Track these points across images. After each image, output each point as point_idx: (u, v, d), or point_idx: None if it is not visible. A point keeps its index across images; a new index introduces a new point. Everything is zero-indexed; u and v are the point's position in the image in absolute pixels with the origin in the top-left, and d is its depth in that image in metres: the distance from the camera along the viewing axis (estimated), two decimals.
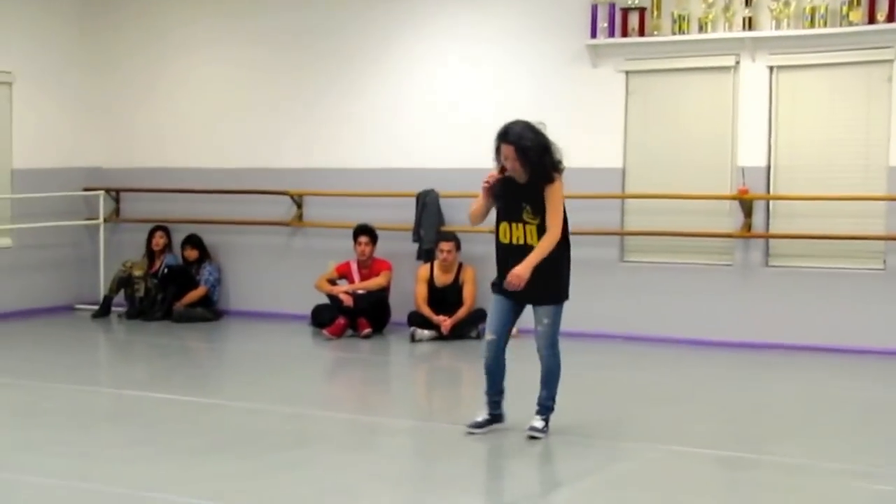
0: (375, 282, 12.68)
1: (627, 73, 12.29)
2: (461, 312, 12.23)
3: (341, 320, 12.43)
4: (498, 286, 7.90)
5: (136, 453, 7.49)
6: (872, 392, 9.88)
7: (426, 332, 12.02)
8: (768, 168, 11.78)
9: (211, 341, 12.81)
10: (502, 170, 7.79)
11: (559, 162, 7.75)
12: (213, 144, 14.30)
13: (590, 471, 7.19)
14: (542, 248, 7.70)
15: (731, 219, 11.91)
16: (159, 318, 13.54)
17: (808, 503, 6.59)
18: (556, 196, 7.70)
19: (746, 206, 11.71)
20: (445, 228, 12.75)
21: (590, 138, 12.30)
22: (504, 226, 7.83)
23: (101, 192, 14.56)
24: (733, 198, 11.76)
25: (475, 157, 12.19)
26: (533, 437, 7.76)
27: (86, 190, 14.67)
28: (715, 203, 11.95)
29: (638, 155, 12.34)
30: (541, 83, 12.61)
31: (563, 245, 7.81)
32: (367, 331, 12.39)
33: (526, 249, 7.71)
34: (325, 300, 12.77)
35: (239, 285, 14.18)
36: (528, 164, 7.68)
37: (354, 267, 12.84)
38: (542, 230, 7.71)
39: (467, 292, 12.33)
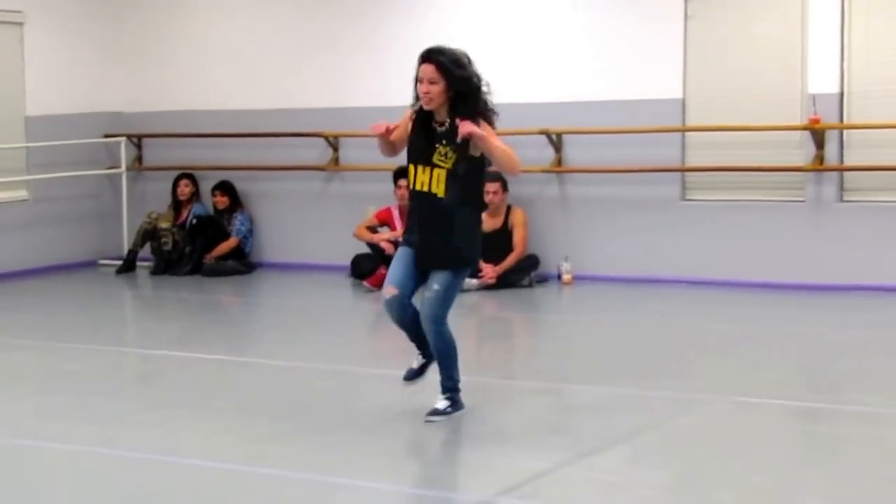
0: None
1: None
2: (510, 259, 12.19)
3: (383, 270, 12.40)
4: (406, 240, 7.32)
5: (164, 416, 7.54)
6: None
7: (474, 282, 11.98)
8: (841, 95, 11.65)
9: (244, 296, 12.86)
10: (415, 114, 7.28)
11: (492, 109, 7.18)
12: (240, 85, 14.28)
13: (651, 425, 7.16)
14: (500, 146, 7.08)
15: (801, 151, 11.79)
16: (188, 272, 13.59)
17: (891, 455, 6.53)
18: (493, 134, 7.08)
19: (818, 137, 11.60)
20: (491, 168, 12.66)
21: (646, 67, 12.25)
22: (411, 168, 7.22)
23: (123, 139, 14.60)
24: (804, 128, 11.65)
25: (522, 90, 12.27)
26: (430, 422, 7.19)
27: (106, 137, 14.70)
28: (784, 134, 11.84)
29: (699, 84, 12.23)
30: (592, 8, 12.49)
31: (477, 209, 7.34)
32: None
33: (429, 197, 7.09)
34: (366, 249, 12.78)
35: (272, 235, 14.19)
36: (450, 84, 7.17)
37: (396, 213, 12.83)
38: (451, 177, 7.05)
39: (518, 237, 12.29)
